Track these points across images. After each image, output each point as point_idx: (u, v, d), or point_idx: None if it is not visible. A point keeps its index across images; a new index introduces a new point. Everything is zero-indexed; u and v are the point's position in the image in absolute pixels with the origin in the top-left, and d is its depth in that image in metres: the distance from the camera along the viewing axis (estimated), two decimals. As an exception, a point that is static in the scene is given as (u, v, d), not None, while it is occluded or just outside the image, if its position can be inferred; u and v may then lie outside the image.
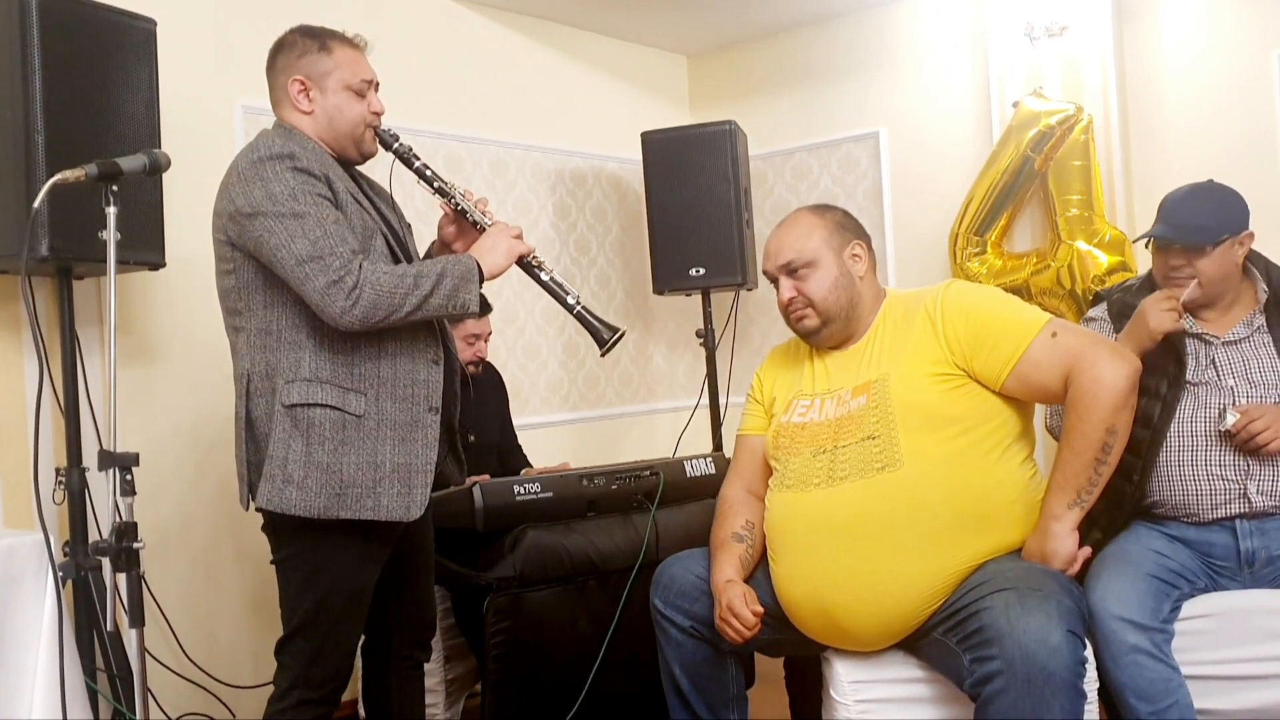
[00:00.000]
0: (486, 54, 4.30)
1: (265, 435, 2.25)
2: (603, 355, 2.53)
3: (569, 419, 4.56)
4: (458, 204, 2.46)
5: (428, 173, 2.47)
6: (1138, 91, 3.98)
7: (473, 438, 3.39)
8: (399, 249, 2.39)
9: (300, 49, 2.38)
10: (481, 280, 2.32)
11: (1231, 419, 2.40)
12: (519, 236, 2.42)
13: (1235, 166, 3.64)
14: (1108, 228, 3.83)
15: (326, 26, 2.43)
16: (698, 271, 4.21)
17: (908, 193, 4.52)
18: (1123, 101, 3.95)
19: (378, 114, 2.43)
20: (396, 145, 2.46)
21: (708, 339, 4.36)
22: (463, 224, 2.49)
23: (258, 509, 2.28)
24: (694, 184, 4.20)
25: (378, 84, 2.44)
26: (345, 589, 2.31)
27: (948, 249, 4.15)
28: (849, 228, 2.51)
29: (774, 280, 2.53)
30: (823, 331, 2.47)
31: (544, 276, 2.46)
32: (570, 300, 2.46)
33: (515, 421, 3.82)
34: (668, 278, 4.28)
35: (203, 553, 3.37)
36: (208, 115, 3.42)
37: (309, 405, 2.22)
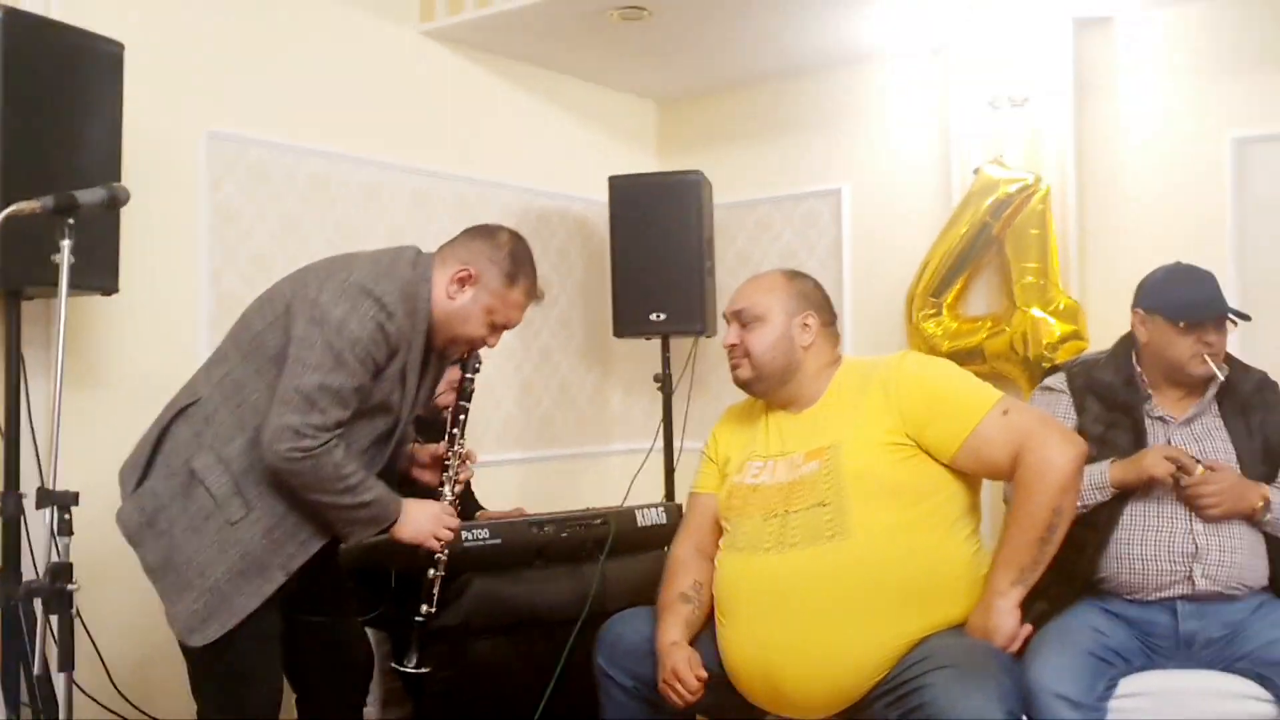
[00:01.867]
0: (457, 91, 4.30)
1: (167, 457, 2.28)
2: (394, 665, 2.57)
3: (522, 458, 4.53)
4: (447, 462, 2.51)
5: (461, 418, 2.51)
6: (1095, 164, 4.05)
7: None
8: (396, 438, 2.40)
9: (496, 257, 2.40)
10: (385, 532, 2.35)
11: (1198, 470, 2.46)
12: (453, 528, 2.45)
13: (1187, 244, 3.68)
14: (1062, 296, 3.89)
15: (531, 261, 2.48)
16: (658, 317, 4.22)
17: (867, 251, 4.56)
18: (1080, 173, 4.01)
19: (488, 346, 2.47)
20: (469, 376, 2.51)
21: (665, 384, 4.37)
22: (436, 470, 2.54)
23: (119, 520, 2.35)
24: (659, 230, 4.21)
25: (513, 328, 2.49)
26: (246, 637, 2.27)
27: (904, 309, 4.19)
28: (810, 299, 2.55)
29: (729, 323, 2.60)
30: (755, 385, 2.53)
31: (430, 572, 2.49)
32: (423, 609, 2.50)
33: (469, 462, 3.79)
34: (628, 321, 4.28)
35: (141, 585, 3.26)
36: (172, 141, 3.38)
37: (201, 482, 2.24)
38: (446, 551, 2.48)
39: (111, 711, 3.16)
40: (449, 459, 2.51)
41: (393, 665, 2.54)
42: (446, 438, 2.52)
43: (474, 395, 2.55)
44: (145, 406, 3.23)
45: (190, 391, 2.33)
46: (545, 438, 4.66)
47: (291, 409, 2.15)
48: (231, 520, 2.23)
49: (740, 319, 2.54)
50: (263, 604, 2.25)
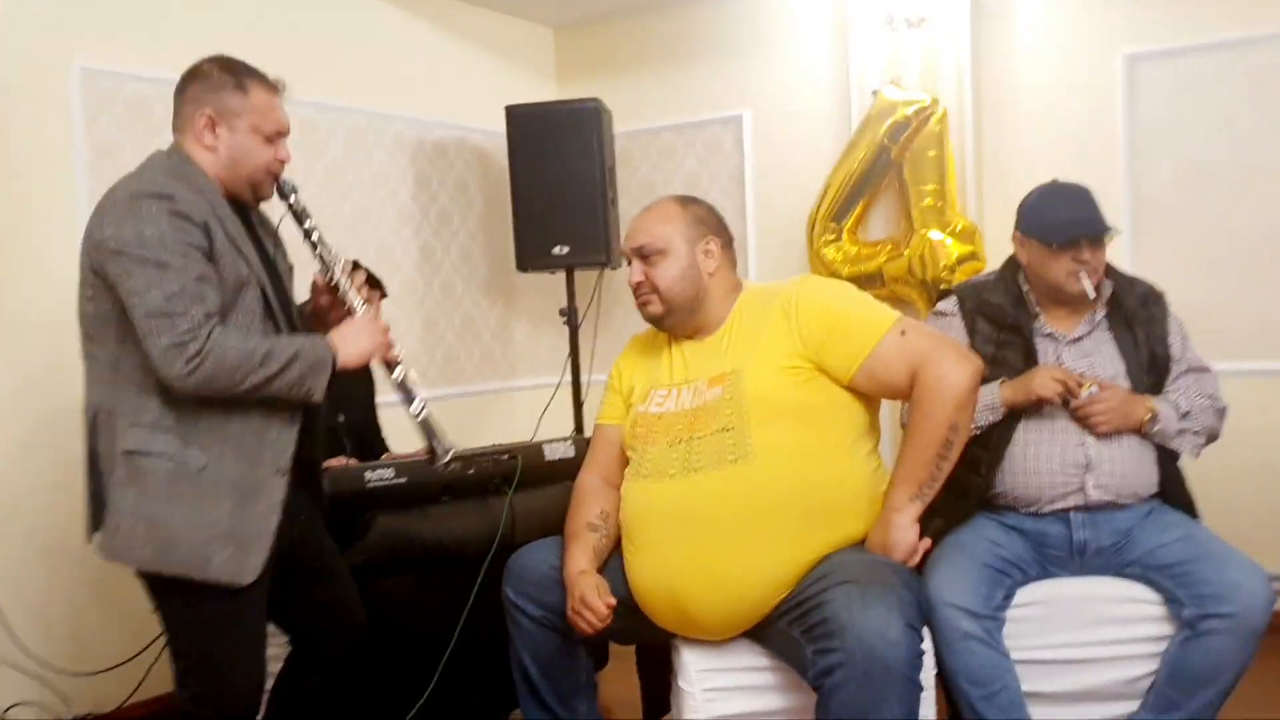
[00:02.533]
0: (345, 19, 4.18)
1: (108, 472, 2.17)
2: (431, 466, 2.48)
3: (427, 396, 4.48)
4: (334, 279, 2.40)
5: (314, 236, 2.39)
6: (991, 85, 4.09)
7: (342, 418, 3.31)
8: (276, 298, 2.30)
9: (214, 83, 2.26)
10: (334, 370, 2.24)
11: (1087, 392, 2.50)
12: (386, 332, 2.36)
13: (1080, 163, 3.77)
14: (959, 218, 3.94)
15: (247, 63, 2.32)
16: (561, 250, 4.18)
17: (769, 177, 4.56)
18: (977, 95, 4.05)
19: (283, 162, 2.34)
20: (293, 199, 2.38)
21: (571, 317, 4.35)
22: (335, 297, 2.43)
23: (99, 554, 2.20)
24: (559, 161, 4.16)
25: (288, 133, 2.35)
26: (229, 630, 2.23)
27: (805, 234, 4.20)
28: (708, 223, 2.53)
29: (628, 260, 2.55)
30: (666, 320, 2.50)
31: (399, 375, 2.41)
32: (415, 407, 2.41)
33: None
34: (531, 255, 4.24)
35: (43, 539, 3.22)
36: (41, 76, 3.24)
37: (146, 454, 2.14)
38: (397, 350, 2.41)
39: (14, 667, 3.10)
40: (333, 279, 2.40)
41: (437, 466, 2.44)
42: (318, 261, 2.41)
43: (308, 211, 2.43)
44: (25, 352, 3.16)
45: (87, 410, 2.23)
46: (449, 375, 4.62)
47: (158, 333, 2.07)
48: (199, 468, 2.15)
49: (641, 254, 2.50)
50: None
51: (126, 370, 2.16)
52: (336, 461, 3.04)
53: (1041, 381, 2.52)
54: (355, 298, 2.40)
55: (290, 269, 2.47)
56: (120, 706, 3.30)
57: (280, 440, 2.25)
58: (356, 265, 2.49)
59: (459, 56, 4.66)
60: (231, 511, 2.17)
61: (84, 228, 2.17)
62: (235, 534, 2.17)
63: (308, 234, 2.39)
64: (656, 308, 2.49)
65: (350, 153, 4.20)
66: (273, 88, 2.33)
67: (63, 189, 3.29)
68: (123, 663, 3.24)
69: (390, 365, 2.40)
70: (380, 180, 4.32)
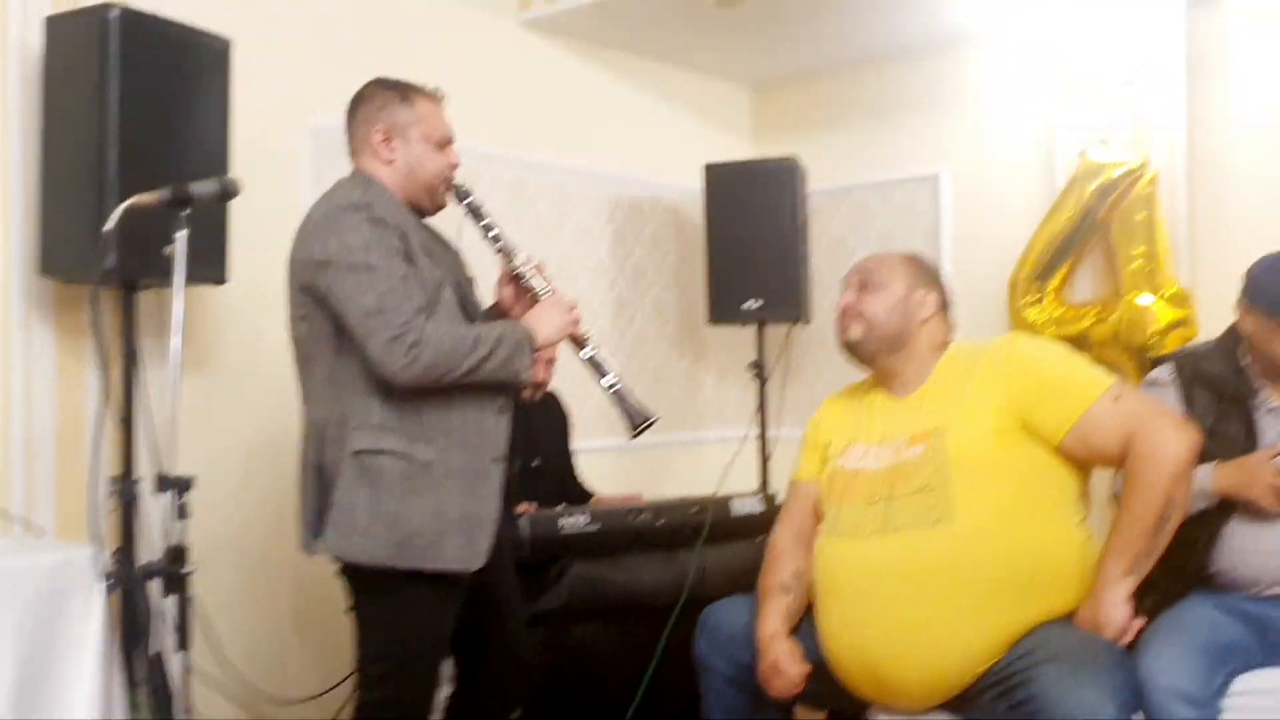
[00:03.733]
0: (551, 79, 4.32)
1: (333, 482, 2.27)
2: (631, 439, 2.51)
3: (616, 446, 4.55)
4: (517, 269, 2.48)
5: (494, 231, 2.49)
6: (1205, 147, 3.92)
7: (536, 462, 3.40)
8: (466, 301, 2.40)
9: (381, 100, 2.41)
10: (534, 349, 2.33)
11: None
12: (574, 308, 2.45)
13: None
14: (1170, 283, 3.78)
15: (404, 79, 2.46)
16: (753, 303, 4.20)
17: (967, 236, 4.48)
18: (1190, 157, 3.89)
19: (455, 167, 2.46)
20: (470, 200, 2.49)
21: (761, 371, 4.34)
22: (520, 288, 2.51)
23: (328, 555, 2.30)
24: (754, 217, 4.19)
25: (454, 139, 2.47)
26: (425, 635, 2.32)
27: (1006, 295, 4.10)
28: (930, 278, 2.56)
29: (846, 287, 2.58)
30: (863, 346, 2.49)
31: (589, 352, 2.48)
32: (609, 380, 2.47)
33: (567, 448, 3.83)
34: (723, 308, 4.27)
35: (251, 567, 3.40)
36: (278, 134, 3.46)
37: (376, 452, 2.24)
38: (587, 330, 2.49)
39: (223, 691, 3.25)
40: (516, 269, 2.48)
41: (631, 434, 2.49)
42: (499, 254, 2.49)
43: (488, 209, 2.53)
44: (252, 394, 3.36)
45: (310, 428, 2.35)
46: (640, 425, 4.66)
47: (374, 333, 2.17)
48: (426, 462, 2.26)
49: (861, 282, 2.52)
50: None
51: (345, 380, 2.28)
52: (525, 508, 3.11)
53: (1261, 493, 2.38)
54: (539, 282, 2.48)
55: (471, 280, 2.56)
56: (318, 735, 3.43)
57: (496, 429, 2.35)
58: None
59: (659, 116, 4.76)
60: (460, 500, 2.27)
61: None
62: (465, 521, 2.27)
63: (486, 229, 2.49)
64: (856, 330, 2.49)
65: (555, 209, 4.33)
66: (434, 97, 2.47)
67: (292, 238, 3.49)
68: (323, 693, 3.36)
69: (580, 342, 2.47)
70: (581, 234, 4.43)
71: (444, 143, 2.44)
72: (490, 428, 2.34)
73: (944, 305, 2.53)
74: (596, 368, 2.48)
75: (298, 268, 2.30)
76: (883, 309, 2.47)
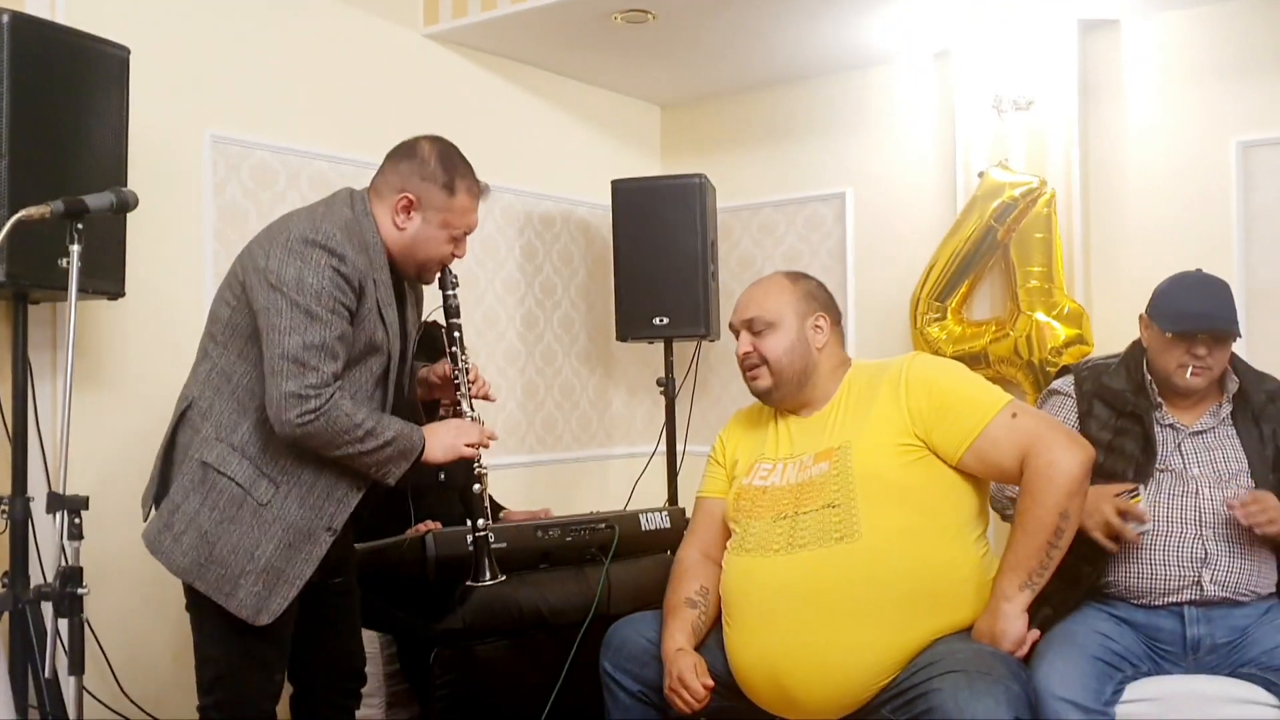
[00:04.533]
0: (461, 93, 4.30)
1: (179, 465, 2.26)
2: (468, 584, 2.54)
3: (525, 461, 4.54)
4: (457, 380, 2.48)
5: (456, 334, 2.49)
6: (1100, 168, 4.05)
7: (442, 476, 3.37)
8: (398, 367, 2.39)
9: (427, 172, 2.35)
10: (418, 461, 2.33)
11: (1140, 530, 2.45)
12: (480, 438, 2.43)
13: (1192, 248, 3.72)
14: (1066, 300, 3.89)
15: (463, 159, 2.41)
16: (661, 320, 4.22)
17: (871, 254, 4.56)
18: (1085, 177, 4.02)
19: (457, 257, 2.44)
20: (450, 294, 2.48)
21: (668, 388, 4.37)
22: (449, 387, 2.51)
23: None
24: (662, 234, 4.21)
25: (473, 231, 2.45)
26: (256, 642, 2.28)
27: (909, 313, 4.19)
28: (818, 299, 2.54)
29: (736, 333, 2.57)
30: (774, 393, 2.51)
31: (475, 488, 2.48)
32: (479, 525, 2.49)
33: (474, 464, 3.80)
34: (631, 325, 4.28)
35: (145, 587, 3.30)
36: (177, 144, 3.39)
37: (220, 472, 2.22)
38: (484, 466, 2.48)
39: (119, 714, 3.16)
40: (457, 377, 2.48)
41: (468, 583, 2.51)
42: (448, 356, 2.50)
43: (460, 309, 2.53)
44: (151, 410, 3.26)
45: (183, 398, 2.33)
46: (547, 441, 4.66)
47: (285, 376, 2.14)
48: (262, 502, 2.23)
49: (751, 327, 2.51)
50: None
51: (235, 384, 2.25)
52: (424, 526, 3.08)
53: (1095, 525, 2.44)
54: (468, 402, 2.47)
55: (419, 324, 2.55)
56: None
57: (345, 499, 2.32)
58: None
59: (568, 132, 4.76)
60: (276, 551, 2.24)
61: (216, 277, 2.26)
62: (270, 573, 2.23)
63: (449, 330, 2.49)
64: (765, 380, 2.50)
65: (460, 222, 4.30)
66: (478, 193, 2.43)
67: (193, 255, 3.43)
68: (222, 716, 3.29)
69: (472, 475, 2.47)
70: (489, 249, 4.41)
71: (460, 236, 2.41)
72: (340, 495, 2.30)
73: (835, 321, 2.56)
74: (471, 508, 2.49)
75: (251, 266, 2.24)
76: (783, 351, 2.48)
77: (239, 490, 2.22)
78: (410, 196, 2.33)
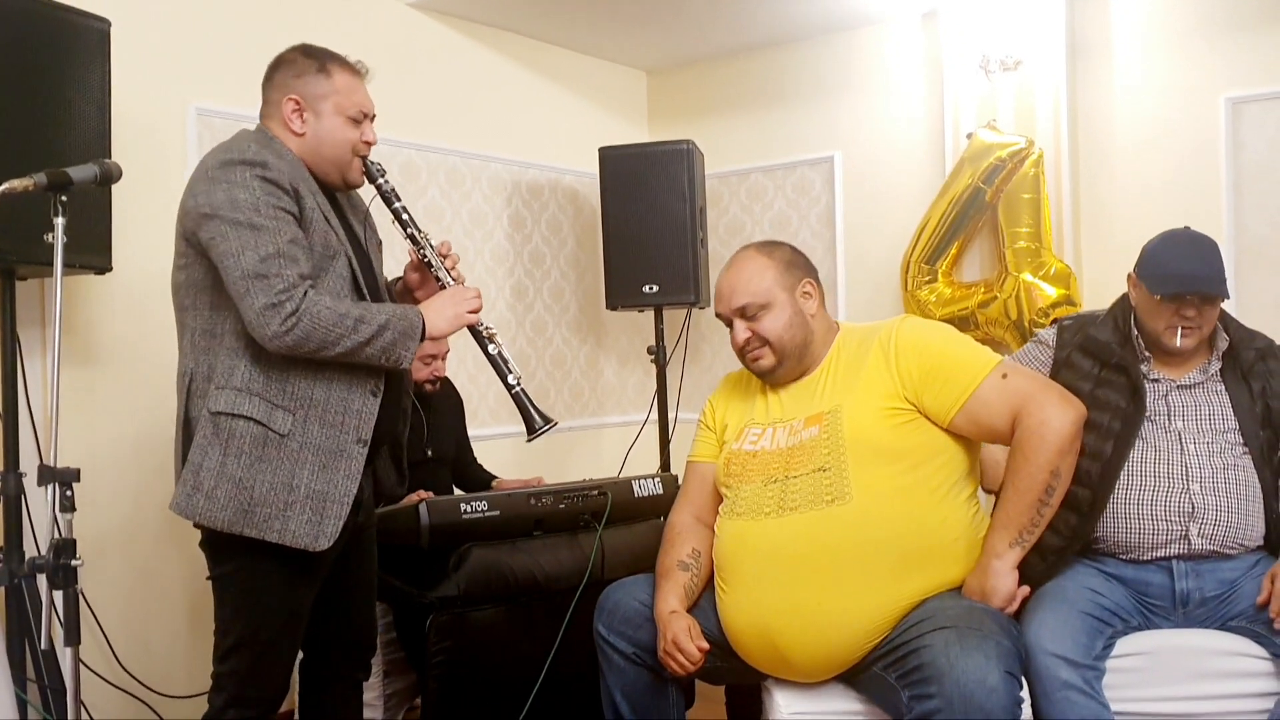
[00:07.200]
0: (445, 63, 4.28)
1: (193, 438, 2.23)
2: (528, 441, 2.52)
3: (517, 431, 4.52)
4: (425, 256, 2.45)
5: (404, 216, 2.46)
6: (1088, 127, 4.05)
7: (430, 452, 3.38)
8: (363, 272, 2.36)
9: (299, 68, 2.35)
10: (423, 338, 2.30)
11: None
12: (475, 299, 2.40)
13: (1181, 206, 3.72)
14: (1054, 261, 3.90)
15: (328, 48, 2.39)
16: (651, 288, 4.22)
17: (860, 218, 4.56)
18: (1073, 137, 4.02)
19: (369, 144, 2.40)
20: (381, 181, 2.44)
21: (659, 355, 4.37)
22: (426, 274, 2.48)
23: (175, 511, 2.25)
24: (650, 201, 4.20)
25: (374, 116, 2.41)
26: (280, 609, 2.28)
27: (899, 276, 4.19)
28: (798, 265, 2.53)
29: (728, 322, 2.53)
30: (778, 370, 2.48)
31: (490, 349, 2.45)
32: (510, 380, 2.46)
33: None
34: (621, 293, 4.28)
35: (142, 561, 3.32)
36: (160, 118, 3.37)
37: (232, 415, 2.19)
38: (490, 327, 2.45)
39: (115, 686, 3.18)
40: (424, 255, 2.45)
41: (528, 437, 2.48)
42: (408, 241, 2.47)
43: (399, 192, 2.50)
44: (140, 383, 3.27)
45: (180, 377, 2.30)
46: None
47: (253, 293, 2.12)
48: (282, 433, 2.21)
49: (745, 313, 2.48)
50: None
51: (220, 335, 2.23)
52: (416, 495, 3.09)
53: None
54: (445, 272, 2.44)
55: (379, 244, 2.53)
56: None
57: (364, 410, 2.30)
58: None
59: (554, 100, 4.75)
60: (313, 476, 2.22)
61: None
62: (315, 498, 2.22)
63: (397, 214, 2.45)
64: (769, 360, 2.47)
65: (449, 193, 4.30)
66: (355, 70, 2.40)
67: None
68: (218, 687, 3.31)
69: (482, 337, 2.44)
70: (477, 220, 4.41)
71: (359, 118, 2.37)
72: (358, 408, 2.29)
73: (818, 282, 2.54)
74: (499, 367, 2.46)
75: (183, 214, 2.24)
76: (782, 328, 2.45)
77: (258, 428, 2.19)
78: (294, 97, 2.32)
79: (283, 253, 2.15)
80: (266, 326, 2.12)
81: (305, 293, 2.15)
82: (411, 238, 2.46)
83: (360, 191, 2.51)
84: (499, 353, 2.46)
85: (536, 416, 2.47)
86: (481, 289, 4.38)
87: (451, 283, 2.43)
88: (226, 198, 2.16)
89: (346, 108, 2.35)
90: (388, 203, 2.45)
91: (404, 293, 2.55)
